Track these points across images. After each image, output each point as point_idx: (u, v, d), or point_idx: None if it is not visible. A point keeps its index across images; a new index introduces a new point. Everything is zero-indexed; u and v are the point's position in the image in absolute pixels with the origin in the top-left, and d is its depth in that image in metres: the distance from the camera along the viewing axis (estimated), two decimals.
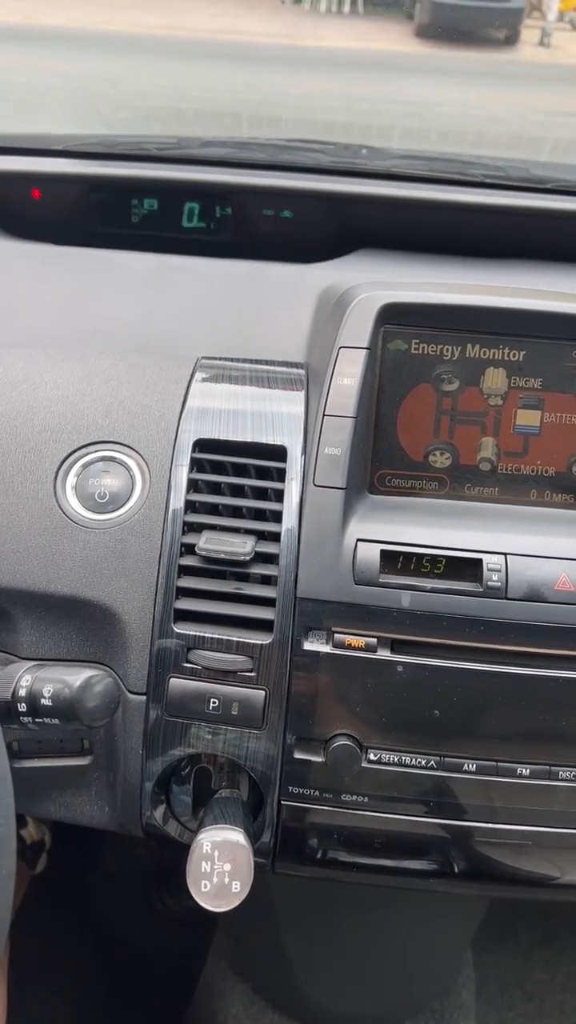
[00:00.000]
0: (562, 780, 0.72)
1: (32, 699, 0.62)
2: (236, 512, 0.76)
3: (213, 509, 0.76)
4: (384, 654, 0.72)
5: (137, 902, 1.48)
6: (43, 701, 0.62)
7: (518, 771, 0.72)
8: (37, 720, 0.62)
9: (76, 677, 0.63)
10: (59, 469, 0.77)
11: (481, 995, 1.40)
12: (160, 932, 1.45)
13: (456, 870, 0.76)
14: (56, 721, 0.62)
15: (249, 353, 0.92)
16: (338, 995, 1.28)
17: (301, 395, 0.82)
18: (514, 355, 0.78)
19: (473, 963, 1.42)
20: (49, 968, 1.33)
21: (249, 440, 0.78)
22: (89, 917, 1.45)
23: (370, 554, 0.73)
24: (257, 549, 0.73)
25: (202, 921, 1.43)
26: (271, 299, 1.02)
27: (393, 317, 0.77)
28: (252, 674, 0.72)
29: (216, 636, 0.72)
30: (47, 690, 0.62)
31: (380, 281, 0.84)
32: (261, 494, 0.76)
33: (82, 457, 0.78)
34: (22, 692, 0.62)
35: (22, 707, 0.62)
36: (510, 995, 1.42)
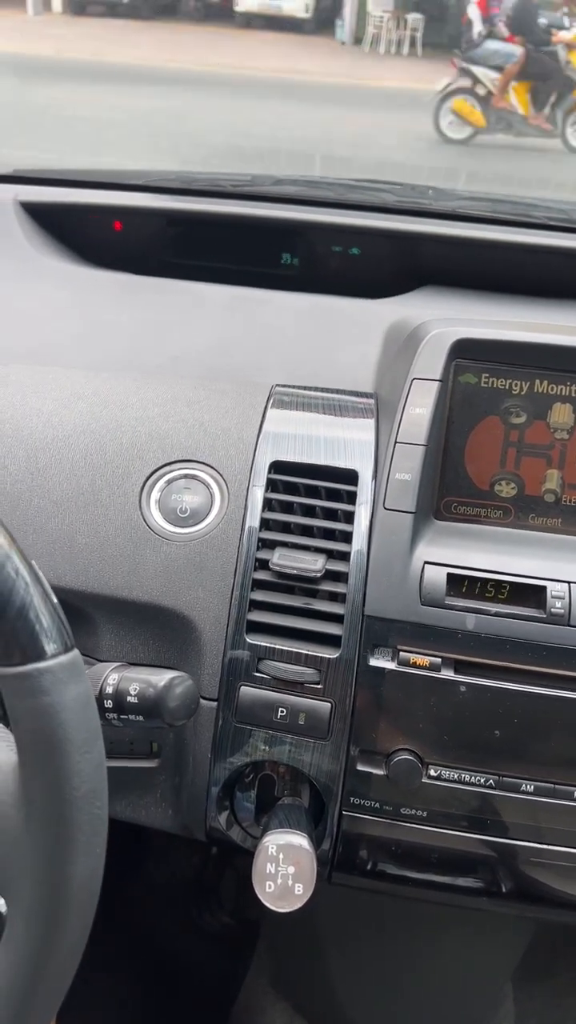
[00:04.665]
0: None
1: (119, 697, 0.65)
2: (307, 531, 0.79)
3: (286, 527, 0.79)
4: (448, 674, 0.74)
5: (177, 916, 1.49)
6: (129, 699, 0.65)
7: (575, 794, 0.74)
8: (122, 716, 0.66)
9: (160, 677, 0.66)
10: (144, 484, 0.82)
11: None
12: (200, 947, 1.46)
13: (506, 889, 0.78)
14: (140, 718, 0.66)
15: (319, 382, 0.96)
16: (379, 1018, 1.28)
17: (372, 423, 0.86)
18: None
19: (512, 997, 1.41)
20: (91, 978, 1.35)
21: (322, 464, 0.81)
22: (130, 928, 1.47)
23: (437, 577, 0.76)
24: (327, 567, 0.76)
25: (242, 937, 1.44)
26: (340, 332, 1.06)
27: (465, 352, 0.81)
28: (319, 686, 0.75)
29: (286, 648, 0.75)
30: (133, 688, 0.65)
31: (452, 318, 0.88)
32: (332, 515, 0.79)
33: (166, 474, 0.82)
34: (109, 690, 0.66)
35: (108, 703, 0.65)
36: None
